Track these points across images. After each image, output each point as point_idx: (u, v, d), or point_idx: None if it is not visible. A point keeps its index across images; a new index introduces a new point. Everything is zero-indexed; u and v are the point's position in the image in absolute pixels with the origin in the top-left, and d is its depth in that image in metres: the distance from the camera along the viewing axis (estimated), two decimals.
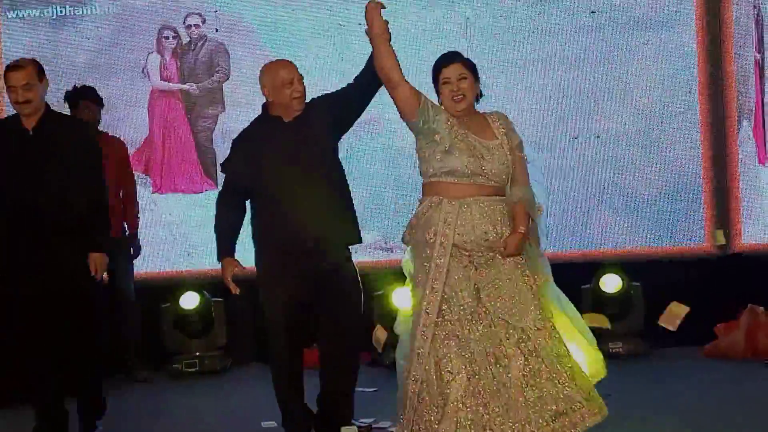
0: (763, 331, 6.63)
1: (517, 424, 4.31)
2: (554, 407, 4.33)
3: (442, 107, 4.52)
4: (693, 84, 7.40)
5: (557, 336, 4.45)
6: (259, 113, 5.13)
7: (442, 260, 4.48)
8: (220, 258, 5.04)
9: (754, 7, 7.34)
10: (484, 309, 4.42)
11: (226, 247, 5.04)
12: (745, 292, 6.91)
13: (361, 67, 5.16)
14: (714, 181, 7.42)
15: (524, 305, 4.42)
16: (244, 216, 5.12)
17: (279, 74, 4.92)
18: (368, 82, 4.92)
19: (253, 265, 5.11)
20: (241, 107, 7.27)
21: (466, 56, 4.62)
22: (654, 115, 7.41)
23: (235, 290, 4.96)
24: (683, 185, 7.40)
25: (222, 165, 5.18)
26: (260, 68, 5.06)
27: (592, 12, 7.36)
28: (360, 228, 5.12)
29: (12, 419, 5.79)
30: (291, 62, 5.05)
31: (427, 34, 7.32)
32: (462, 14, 7.38)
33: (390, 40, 4.61)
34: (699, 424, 5.11)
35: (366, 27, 4.62)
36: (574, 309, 4.61)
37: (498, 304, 4.39)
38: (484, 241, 4.41)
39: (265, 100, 5.04)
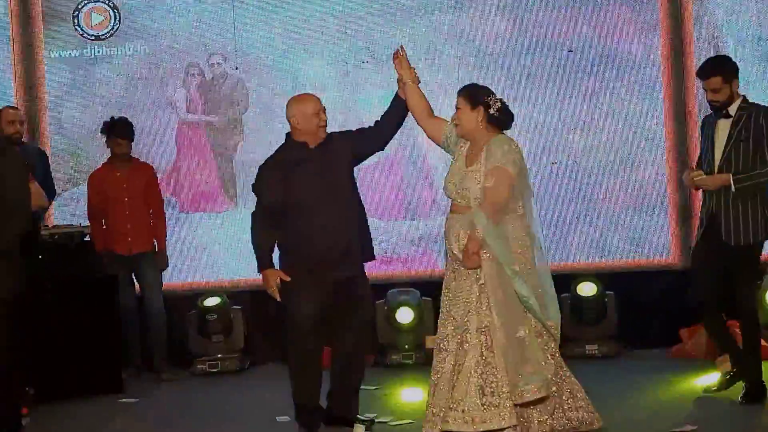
0: None
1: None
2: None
3: None
4: (659, 115, 7.54)
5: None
6: (274, 141, 5.38)
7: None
8: (261, 269, 5.17)
9: (714, 47, 7.49)
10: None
11: (266, 260, 5.18)
12: None
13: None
14: (678, 201, 7.53)
15: (471, 313, 4.70)
16: (277, 231, 5.21)
17: (308, 105, 5.16)
18: (388, 123, 5.27)
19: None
20: (258, 137, 7.45)
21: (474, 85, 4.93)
22: (624, 144, 7.56)
23: (279, 298, 5.15)
24: (651, 205, 7.54)
25: (254, 187, 5.27)
26: (288, 101, 5.26)
27: (570, 51, 7.51)
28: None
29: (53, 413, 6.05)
30: (316, 95, 5.31)
31: (429, 69, 7.39)
32: (455, 53, 7.58)
33: (418, 82, 5.09)
34: (666, 416, 5.24)
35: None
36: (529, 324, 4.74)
37: (453, 309, 4.78)
38: (451, 254, 4.84)
39: (288, 130, 5.23)
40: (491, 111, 4.77)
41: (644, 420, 5.19)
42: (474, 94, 4.81)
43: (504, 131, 4.86)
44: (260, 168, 5.29)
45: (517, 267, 4.68)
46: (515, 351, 4.63)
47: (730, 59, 5.75)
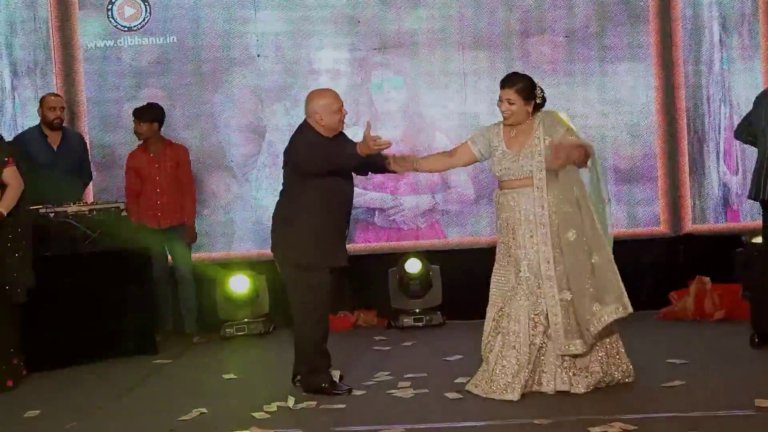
0: (708, 297, 6.81)
1: None
2: None
3: (497, 123, 5.08)
4: (650, 96, 7.52)
5: None
6: (301, 126, 5.18)
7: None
8: (356, 152, 4.92)
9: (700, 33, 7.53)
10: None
11: (351, 146, 5.05)
12: (693, 266, 7.10)
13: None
14: (668, 177, 7.54)
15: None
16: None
17: (331, 102, 5.09)
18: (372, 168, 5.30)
19: (270, 249, 5.30)
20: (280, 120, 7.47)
21: (520, 73, 5.07)
22: (617, 124, 7.53)
23: (381, 141, 4.86)
24: (643, 181, 7.54)
25: (307, 153, 5.02)
26: (308, 95, 5.17)
27: (566, 36, 7.50)
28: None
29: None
30: (335, 91, 5.25)
31: (432, 54, 7.56)
32: (458, 39, 7.54)
33: (419, 161, 5.18)
34: (656, 372, 5.27)
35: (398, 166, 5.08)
36: None
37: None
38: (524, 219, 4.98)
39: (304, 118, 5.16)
40: (537, 101, 4.98)
41: (636, 375, 5.18)
42: (527, 90, 4.95)
43: None
44: (305, 141, 5.14)
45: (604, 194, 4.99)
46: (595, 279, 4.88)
47: None
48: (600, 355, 4.99)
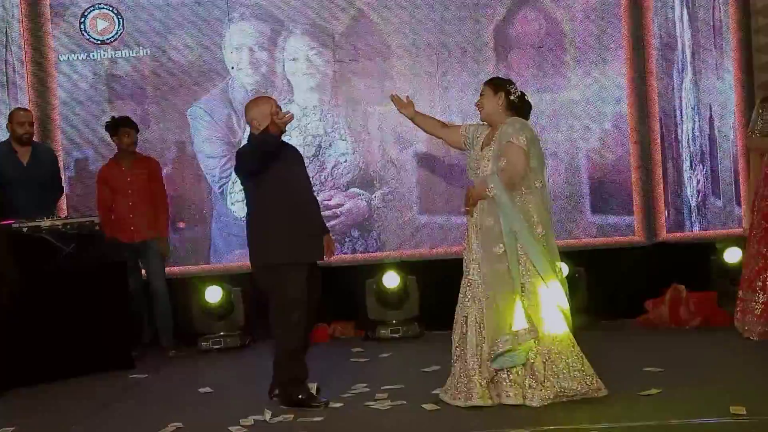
0: (683, 305, 6.85)
1: None
2: None
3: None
4: (623, 104, 7.54)
5: None
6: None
7: None
8: (267, 133, 5.00)
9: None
10: None
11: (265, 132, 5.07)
12: (669, 274, 7.13)
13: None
14: (641, 186, 7.56)
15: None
16: None
17: (266, 107, 5.15)
18: None
19: (248, 261, 5.30)
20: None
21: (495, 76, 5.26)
22: (590, 134, 7.53)
23: (283, 115, 5.01)
24: (617, 190, 7.56)
25: (242, 161, 5.16)
26: (246, 105, 5.33)
27: (540, 47, 7.54)
28: None
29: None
30: (271, 97, 5.34)
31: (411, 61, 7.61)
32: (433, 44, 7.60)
33: (417, 114, 5.25)
34: (633, 381, 5.26)
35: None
36: None
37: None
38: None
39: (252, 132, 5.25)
40: (511, 97, 4.96)
41: (614, 384, 5.19)
42: (497, 81, 5.07)
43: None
44: (239, 150, 5.32)
45: (516, 227, 4.80)
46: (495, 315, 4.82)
47: None
48: (557, 368, 4.90)
